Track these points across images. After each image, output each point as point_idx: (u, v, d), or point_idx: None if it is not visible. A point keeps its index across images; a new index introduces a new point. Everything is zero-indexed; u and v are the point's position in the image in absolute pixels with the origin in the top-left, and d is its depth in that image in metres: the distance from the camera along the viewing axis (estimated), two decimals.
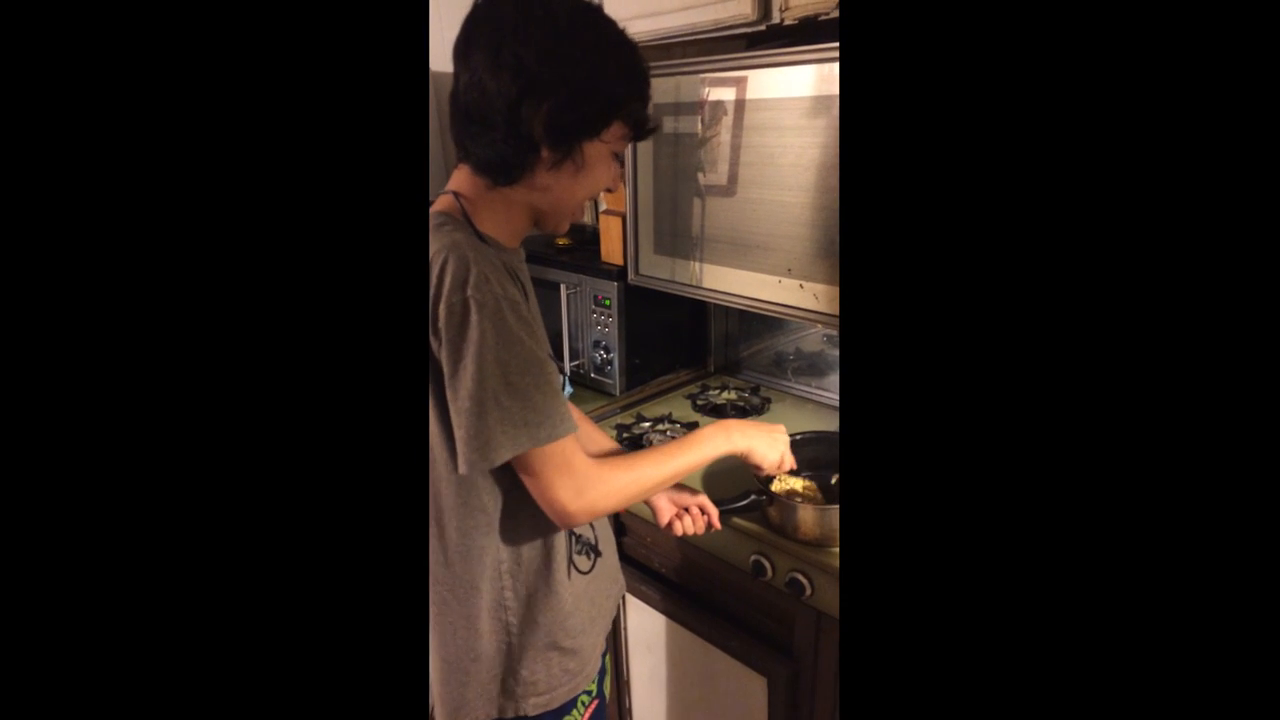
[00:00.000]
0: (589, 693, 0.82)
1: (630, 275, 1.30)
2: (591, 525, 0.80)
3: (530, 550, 0.73)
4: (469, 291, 0.60)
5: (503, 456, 0.63)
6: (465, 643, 0.74)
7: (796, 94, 0.97)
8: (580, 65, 0.62)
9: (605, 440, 0.93)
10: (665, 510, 0.85)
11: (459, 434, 0.63)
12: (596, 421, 1.30)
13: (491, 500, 0.70)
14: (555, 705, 0.77)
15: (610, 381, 1.39)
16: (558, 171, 0.66)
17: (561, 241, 1.50)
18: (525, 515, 0.72)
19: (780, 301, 1.08)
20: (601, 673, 0.85)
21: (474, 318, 0.60)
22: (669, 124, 1.16)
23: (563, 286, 1.38)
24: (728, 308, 1.36)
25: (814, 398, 1.39)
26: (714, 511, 0.85)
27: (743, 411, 1.33)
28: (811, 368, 1.42)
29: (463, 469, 0.64)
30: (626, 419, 1.31)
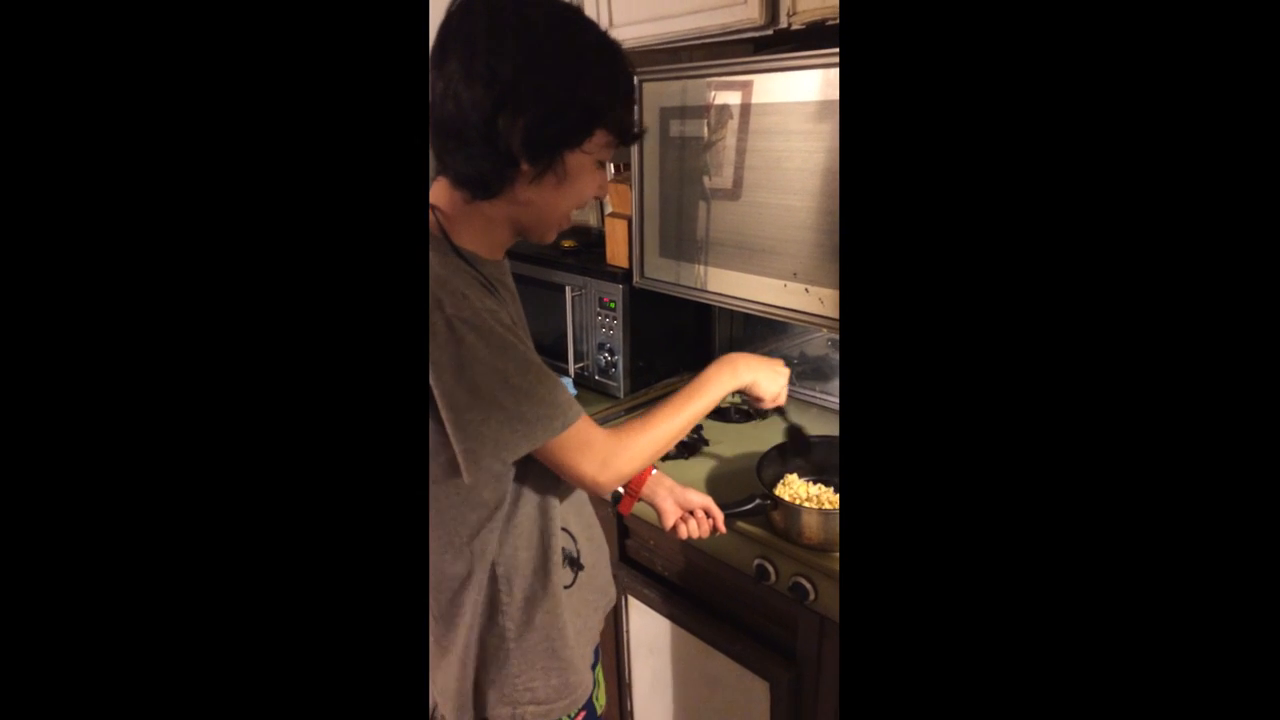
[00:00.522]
0: (581, 705, 0.82)
1: (635, 278, 1.30)
2: (573, 538, 0.79)
3: (512, 566, 0.73)
4: (449, 310, 0.60)
5: (518, 453, 0.65)
6: (449, 656, 0.74)
7: (803, 99, 0.98)
8: (558, 74, 0.59)
9: None
10: (670, 513, 0.85)
11: (468, 445, 0.63)
12: (600, 424, 1.31)
13: (474, 518, 0.70)
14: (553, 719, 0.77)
15: (614, 384, 1.39)
16: (539, 185, 0.63)
17: (566, 244, 1.50)
18: (510, 531, 0.72)
19: (785, 306, 1.08)
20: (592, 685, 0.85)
21: (460, 333, 0.60)
22: (675, 127, 1.16)
23: (568, 289, 1.38)
24: (732, 311, 1.36)
25: (818, 402, 1.39)
26: (719, 515, 0.85)
27: (746, 415, 1.33)
28: (816, 372, 1.42)
29: (470, 476, 0.65)
30: None
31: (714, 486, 1.08)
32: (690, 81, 1.11)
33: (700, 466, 1.15)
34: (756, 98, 1.03)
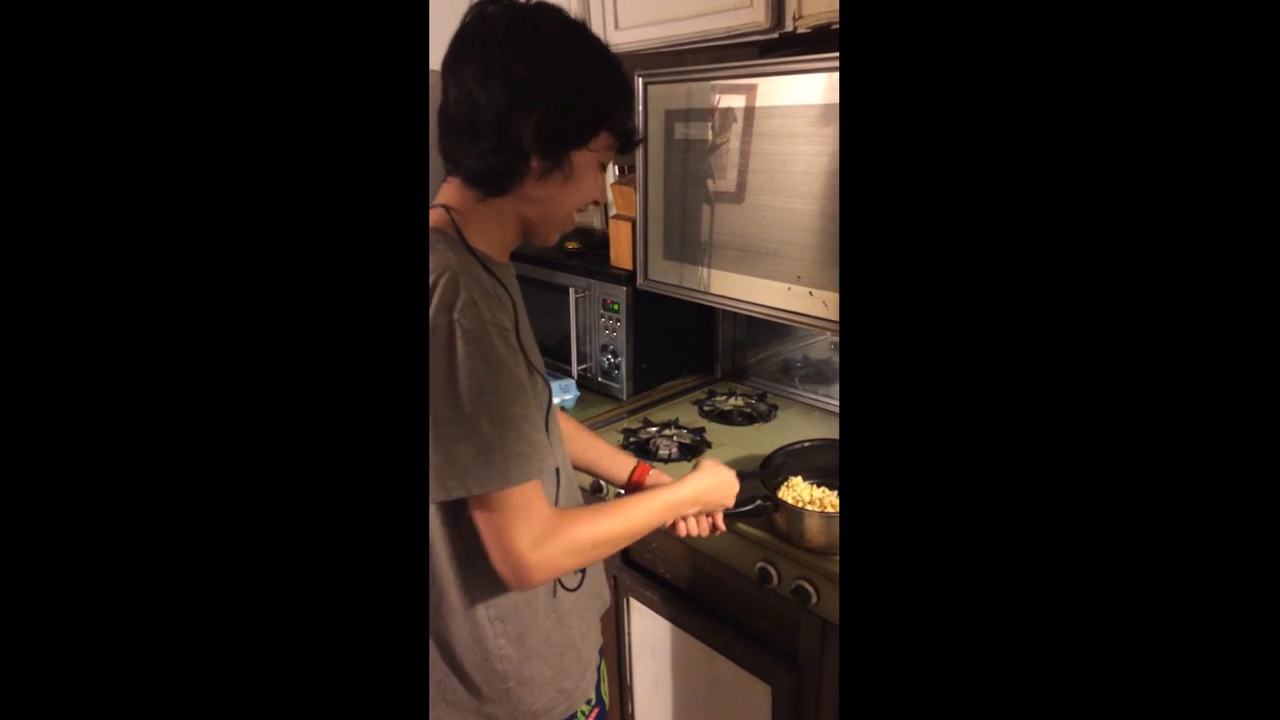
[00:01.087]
0: (589, 701, 0.82)
1: (639, 280, 1.30)
2: None
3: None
4: (455, 315, 0.60)
5: (486, 487, 0.61)
6: (453, 657, 0.74)
7: (807, 102, 0.98)
8: (568, 76, 0.63)
9: (603, 445, 0.94)
10: None
11: (435, 460, 0.61)
12: (603, 426, 1.31)
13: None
14: None
15: (617, 386, 1.40)
16: (546, 181, 0.67)
17: (570, 245, 1.50)
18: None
19: (789, 308, 1.08)
20: (598, 680, 0.86)
21: (458, 342, 0.60)
22: (679, 130, 1.16)
23: (571, 290, 1.38)
24: (735, 314, 1.36)
25: (821, 405, 1.39)
26: (718, 514, 0.85)
27: (749, 418, 1.33)
28: (819, 375, 1.42)
29: (437, 495, 0.62)
30: (633, 424, 1.31)
31: None
32: (695, 85, 1.11)
33: None
34: (761, 101, 1.03)
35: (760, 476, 0.97)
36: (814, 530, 0.90)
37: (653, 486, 0.87)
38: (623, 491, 0.93)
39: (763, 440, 1.20)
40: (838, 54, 0.92)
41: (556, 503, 0.75)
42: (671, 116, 1.16)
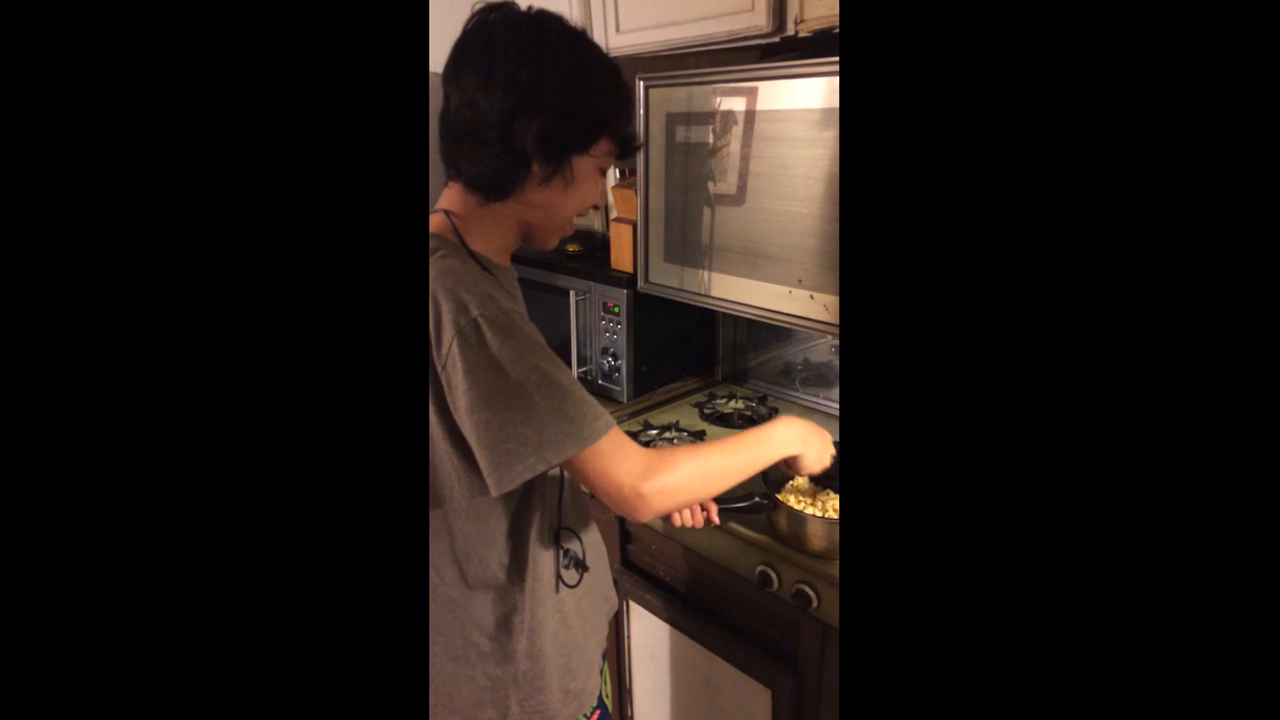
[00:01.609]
0: (593, 706, 0.83)
1: (640, 283, 1.30)
2: (579, 539, 0.79)
3: (527, 570, 0.73)
4: (475, 312, 0.60)
5: (563, 455, 0.61)
6: (461, 656, 0.74)
7: (807, 106, 0.98)
8: (570, 82, 0.64)
9: None
10: None
11: (508, 446, 0.60)
12: None
13: (495, 523, 0.70)
14: None
15: (618, 389, 1.40)
16: (548, 186, 0.67)
17: (571, 248, 1.50)
18: (527, 536, 0.72)
19: (790, 312, 1.08)
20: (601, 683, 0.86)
21: (489, 335, 0.60)
22: (680, 133, 1.16)
23: (572, 293, 1.38)
24: (736, 317, 1.36)
25: (821, 408, 1.39)
26: (713, 507, 0.85)
27: (750, 421, 1.33)
28: (819, 378, 1.42)
29: (524, 474, 0.61)
30: (634, 426, 1.31)
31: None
32: (696, 88, 1.11)
33: None
34: (761, 104, 1.03)
35: (762, 476, 0.96)
36: (815, 534, 0.90)
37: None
38: None
39: None
40: (837, 58, 0.92)
41: (560, 506, 0.76)
42: (672, 120, 1.16)
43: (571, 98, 0.64)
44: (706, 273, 1.19)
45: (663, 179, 1.21)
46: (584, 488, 0.67)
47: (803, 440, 0.78)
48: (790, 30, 1.00)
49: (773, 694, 1.01)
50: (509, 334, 0.61)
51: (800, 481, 1.01)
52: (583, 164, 0.68)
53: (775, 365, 1.50)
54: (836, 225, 0.99)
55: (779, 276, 1.08)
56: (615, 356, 1.38)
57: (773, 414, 1.36)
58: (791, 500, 0.96)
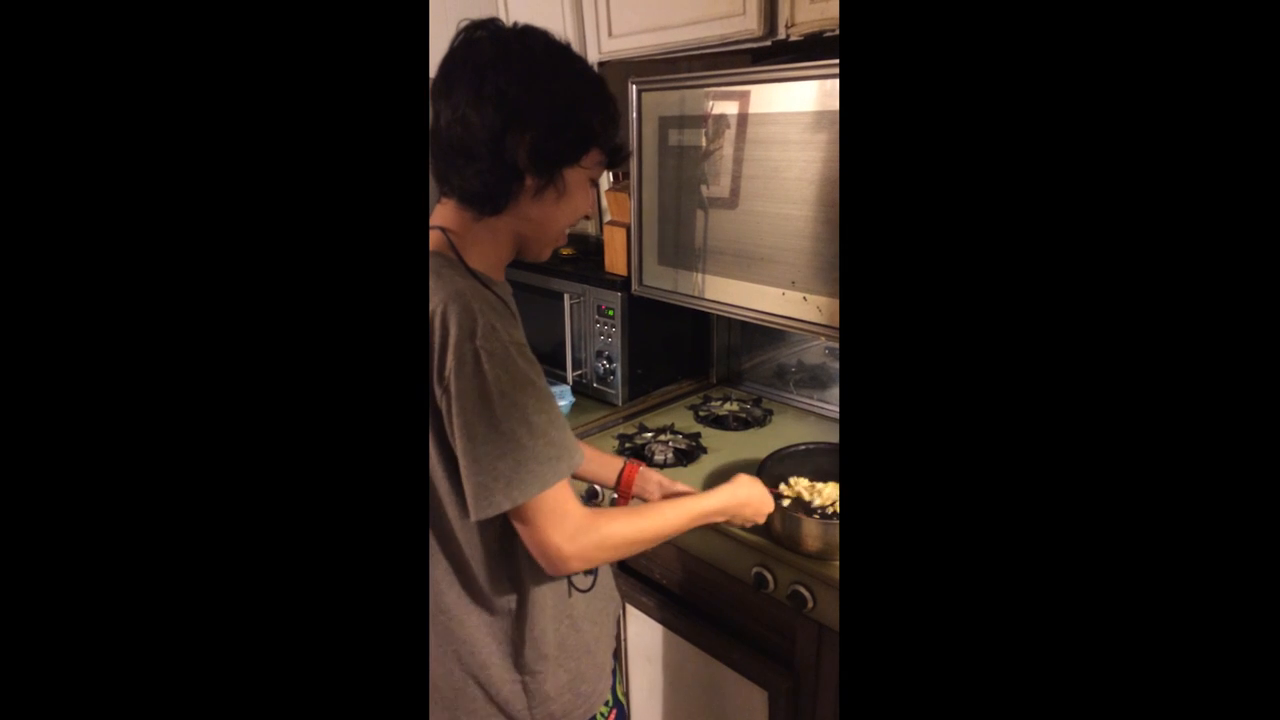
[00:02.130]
0: (606, 702, 0.83)
1: (634, 286, 1.30)
2: None
3: (531, 578, 0.73)
4: (479, 342, 0.62)
5: (528, 495, 0.63)
6: (470, 666, 0.74)
7: (799, 109, 0.98)
8: (559, 96, 0.65)
9: (605, 458, 0.95)
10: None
11: (481, 479, 0.63)
12: (599, 432, 1.31)
13: (494, 536, 0.71)
14: None
15: (613, 392, 1.40)
16: (541, 199, 0.68)
17: (565, 251, 1.50)
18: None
19: (783, 314, 1.08)
20: (614, 681, 0.86)
21: (485, 367, 0.61)
22: (673, 137, 1.17)
23: (566, 296, 1.38)
24: (730, 319, 1.36)
25: (816, 410, 1.40)
26: None
27: (745, 423, 1.33)
28: (813, 380, 1.43)
29: (487, 511, 0.63)
30: (629, 429, 1.31)
31: (708, 483, 1.07)
32: (688, 91, 1.12)
33: (698, 473, 1.15)
34: (754, 108, 1.04)
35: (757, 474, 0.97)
36: (811, 535, 0.90)
37: (685, 493, 0.89)
38: (615, 494, 0.94)
39: (758, 445, 1.21)
40: (830, 61, 0.93)
41: None
42: (665, 123, 1.17)
43: (561, 111, 0.65)
44: (700, 275, 1.20)
45: (656, 182, 1.22)
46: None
47: (738, 510, 0.84)
48: (782, 34, 1.00)
49: (769, 695, 1.01)
50: (504, 369, 0.62)
51: (801, 480, 1.01)
52: (574, 175, 0.69)
53: (769, 367, 1.50)
54: (829, 228, 0.99)
55: (772, 279, 1.08)
56: (610, 359, 1.38)
57: (768, 416, 1.36)
58: (791, 495, 0.96)
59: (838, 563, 0.90)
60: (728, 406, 1.40)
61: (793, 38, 0.99)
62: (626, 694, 1.28)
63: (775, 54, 1.09)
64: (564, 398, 1.40)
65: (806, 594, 0.91)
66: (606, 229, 1.36)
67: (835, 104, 0.94)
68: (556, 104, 0.65)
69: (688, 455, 1.20)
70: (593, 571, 0.80)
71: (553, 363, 1.46)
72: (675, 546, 1.09)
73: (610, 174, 1.46)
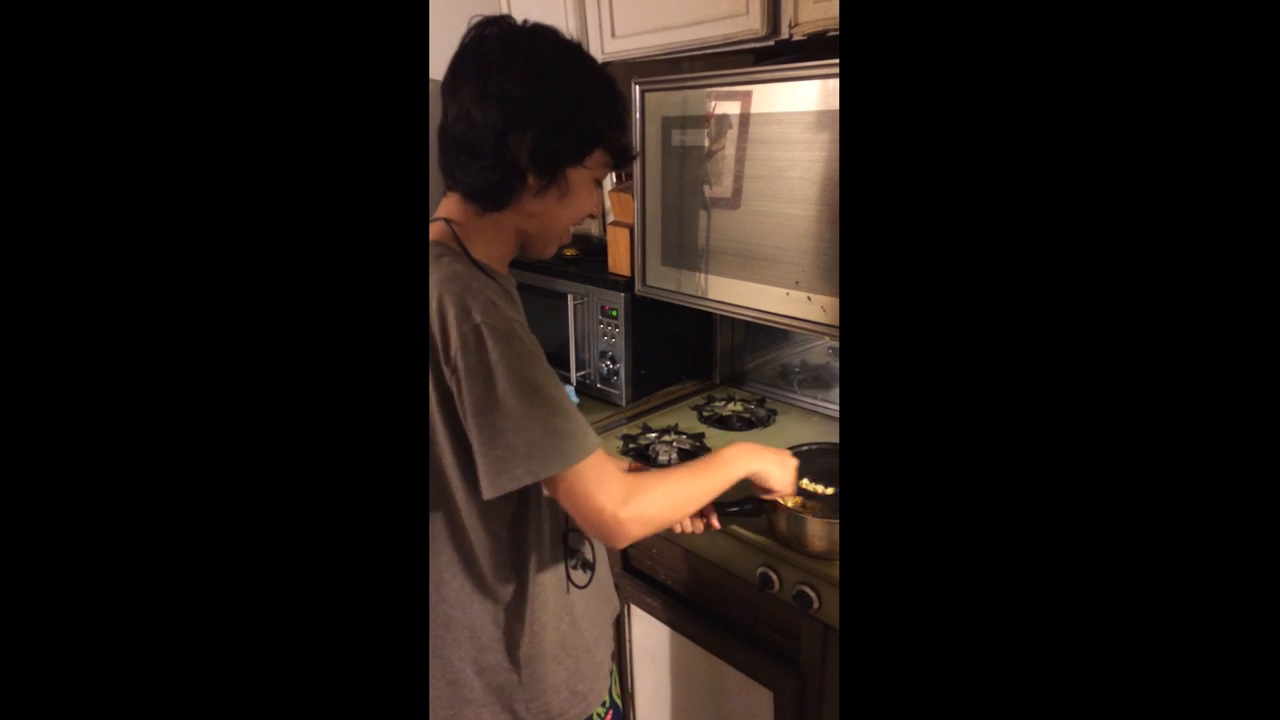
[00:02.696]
0: (604, 703, 0.83)
1: (637, 286, 1.30)
2: (589, 540, 0.80)
3: (532, 571, 0.73)
4: (478, 318, 0.61)
5: (550, 469, 0.62)
6: (469, 656, 0.74)
7: (802, 108, 0.98)
8: (563, 95, 0.65)
9: (617, 463, 0.94)
10: None
11: (498, 453, 0.62)
12: (602, 432, 1.31)
13: (499, 525, 0.71)
14: None
15: (616, 392, 1.40)
16: (543, 197, 0.68)
17: (569, 252, 1.51)
18: (531, 538, 0.72)
19: (787, 314, 1.08)
20: (610, 683, 0.86)
21: (489, 342, 0.61)
22: (676, 137, 1.17)
23: (569, 297, 1.38)
24: (733, 319, 1.36)
25: (820, 410, 1.39)
26: (713, 511, 0.86)
27: (748, 423, 1.33)
28: (817, 380, 1.42)
29: (507, 485, 0.62)
30: (633, 430, 1.31)
31: None
32: (691, 92, 1.12)
33: None
34: (756, 108, 1.04)
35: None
36: (816, 535, 0.90)
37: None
38: None
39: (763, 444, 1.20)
40: (832, 61, 0.93)
41: (551, 511, 0.76)
42: (668, 123, 1.17)
43: (565, 111, 0.65)
44: (704, 275, 1.19)
45: (659, 182, 1.22)
46: (564, 507, 0.67)
47: (759, 459, 0.81)
48: (785, 34, 1.00)
49: (775, 695, 1.01)
50: (509, 343, 0.62)
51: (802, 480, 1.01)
52: (577, 175, 0.69)
53: (773, 367, 1.50)
54: (832, 227, 0.99)
55: (776, 279, 1.08)
56: (613, 360, 1.38)
57: (771, 416, 1.36)
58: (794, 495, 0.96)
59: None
60: (731, 407, 1.40)
61: (796, 37, 0.99)
62: (624, 696, 1.28)
63: (778, 54, 1.09)
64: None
65: (812, 594, 0.91)
66: (610, 229, 1.36)
67: (837, 103, 0.94)
68: (560, 104, 0.65)
69: (692, 456, 1.20)
70: (590, 568, 0.80)
71: (556, 363, 1.45)
72: (680, 547, 1.09)
73: (613, 175, 1.46)
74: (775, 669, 1.00)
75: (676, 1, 1.11)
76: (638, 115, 1.18)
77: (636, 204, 1.26)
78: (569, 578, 0.77)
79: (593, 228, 1.66)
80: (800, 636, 0.97)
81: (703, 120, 1.11)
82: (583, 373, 1.44)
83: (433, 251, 0.67)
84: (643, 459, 1.18)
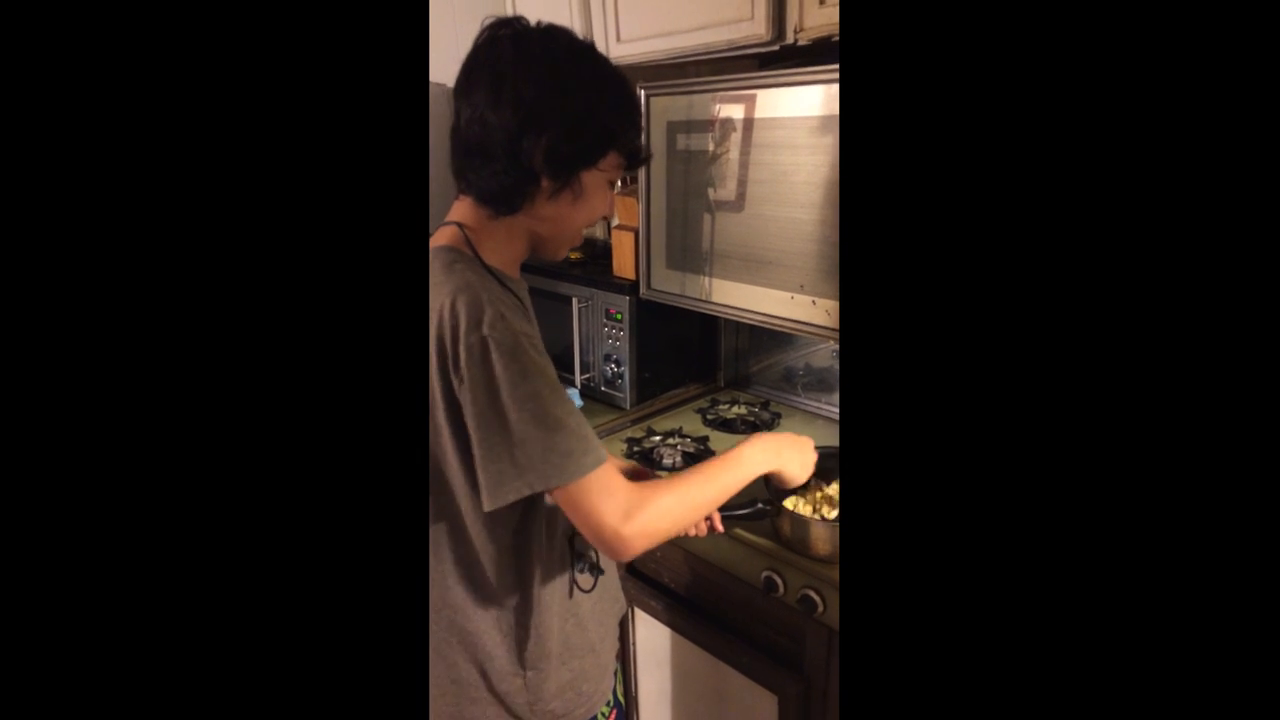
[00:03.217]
0: (607, 702, 0.83)
1: (642, 289, 1.31)
2: None
3: (538, 575, 0.73)
4: (485, 330, 0.61)
5: (549, 485, 0.62)
6: (474, 659, 0.75)
7: (806, 113, 0.99)
8: (577, 98, 0.64)
9: (620, 464, 0.95)
10: None
11: (497, 467, 0.62)
12: (607, 435, 1.31)
13: (504, 532, 0.71)
14: None
15: (620, 395, 1.40)
16: (557, 200, 0.68)
17: (573, 255, 1.51)
18: (536, 543, 0.72)
19: (792, 317, 1.08)
20: (614, 683, 0.86)
21: (494, 355, 0.61)
22: (681, 141, 1.17)
23: (574, 300, 1.39)
24: (738, 323, 1.36)
25: (823, 413, 1.39)
26: (717, 515, 0.86)
27: (753, 426, 1.33)
28: (821, 383, 1.42)
29: (508, 496, 0.62)
30: (637, 433, 1.31)
31: None
32: (696, 96, 1.12)
33: None
34: (760, 112, 1.04)
35: (764, 481, 0.97)
36: (820, 539, 0.90)
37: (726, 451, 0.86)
38: None
39: None
40: (836, 66, 0.93)
41: (558, 516, 0.76)
42: (673, 128, 1.17)
43: (579, 114, 0.64)
44: (708, 279, 1.20)
45: (664, 186, 1.22)
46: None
47: (777, 455, 0.80)
48: (790, 39, 1.00)
49: (779, 700, 1.01)
50: (513, 357, 0.61)
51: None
52: (591, 178, 0.68)
53: (777, 371, 1.50)
54: (836, 231, 0.99)
55: (780, 282, 1.08)
56: (618, 363, 1.38)
57: (775, 419, 1.36)
58: (799, 497, 0.96)
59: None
60: (735, 410, 1.40)
61: (801, 42, 1.00)
62: (629, 696, 1.28)
63: (783, 59, 1.09)
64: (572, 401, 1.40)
65: (816, 598, 0.91)
66: (614, 233, 1.37)
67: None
68: (574, 107, 0.64)
69: (696, 459, 1.20)
70: (596, 572, 0.80)
71: (561, 366, 1.45)
72: (684, 550, 1.09)
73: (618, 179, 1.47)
74: (779, 673, 1.00)
75: (682, 6, 1.12)
76: (644, 131, 1.19)
77: (641, 208, 1.26)
78: (574, 582, 0.77)
79: (598, 231, 1.66)
80: (804, 640, 0.97)
81: (707, 124, 1.12)
82: (587, 376, 1.44)
83: (446, 258, 0.67)
84: (647, 462, 1.18)
